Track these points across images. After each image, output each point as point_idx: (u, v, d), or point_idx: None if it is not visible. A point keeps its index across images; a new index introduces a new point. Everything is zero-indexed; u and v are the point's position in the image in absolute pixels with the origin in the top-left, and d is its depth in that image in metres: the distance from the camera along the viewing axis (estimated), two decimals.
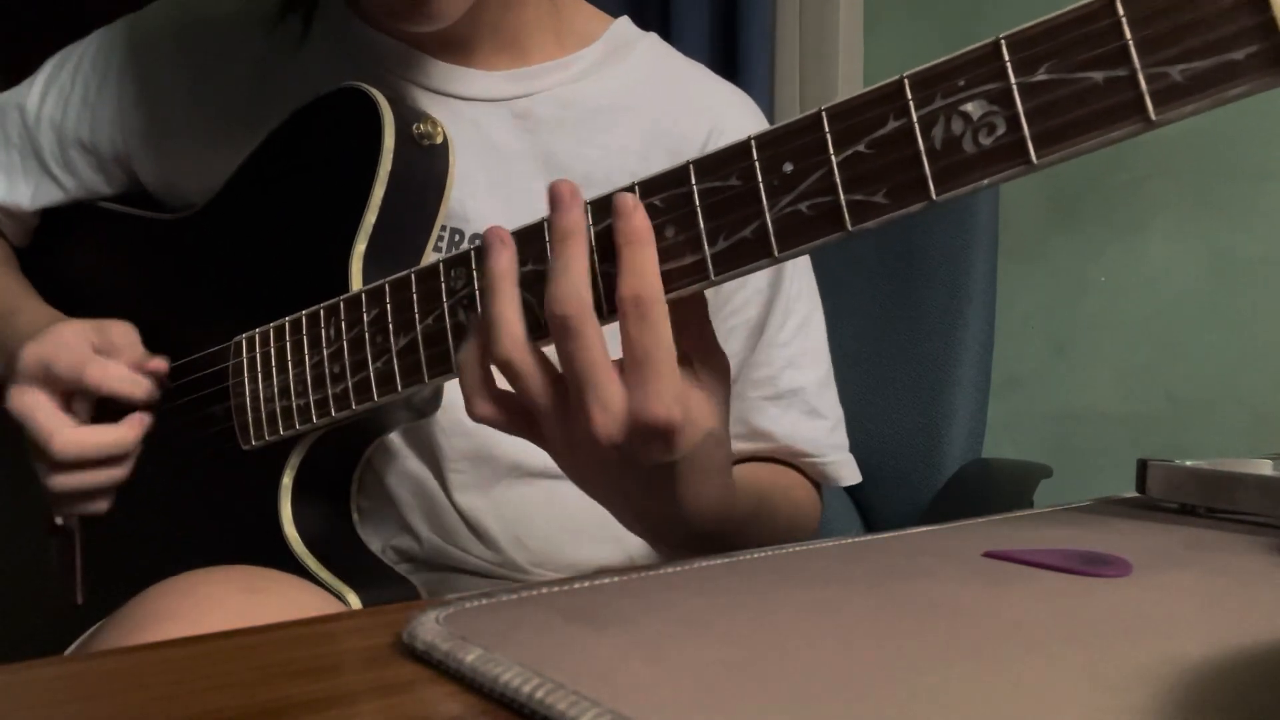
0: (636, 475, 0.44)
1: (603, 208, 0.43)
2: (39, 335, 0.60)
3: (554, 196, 0.42)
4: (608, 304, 0.42)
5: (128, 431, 0.60)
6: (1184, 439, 1.16)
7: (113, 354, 0.61)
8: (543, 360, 0.43)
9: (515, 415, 0.44)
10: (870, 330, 1.15)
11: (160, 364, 0.62)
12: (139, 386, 0.61)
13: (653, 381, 0.40)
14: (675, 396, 0.41)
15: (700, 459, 0.45)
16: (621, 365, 0.41)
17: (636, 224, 0.41)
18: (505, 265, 0.43)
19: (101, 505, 0.62)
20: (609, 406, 0.41)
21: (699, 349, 0.44)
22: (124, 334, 0.62)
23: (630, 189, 0.42)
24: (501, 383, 0.44)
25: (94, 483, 0.60)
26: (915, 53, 1.53)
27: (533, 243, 0.44)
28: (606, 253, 0.42)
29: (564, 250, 0.42)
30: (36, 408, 0.59)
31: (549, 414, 0.43)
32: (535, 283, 0.44)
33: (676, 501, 0.46)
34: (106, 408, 0.62)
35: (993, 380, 1.11)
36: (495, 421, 0.45)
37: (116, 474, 0.61)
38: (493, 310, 0.43)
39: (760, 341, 0.70)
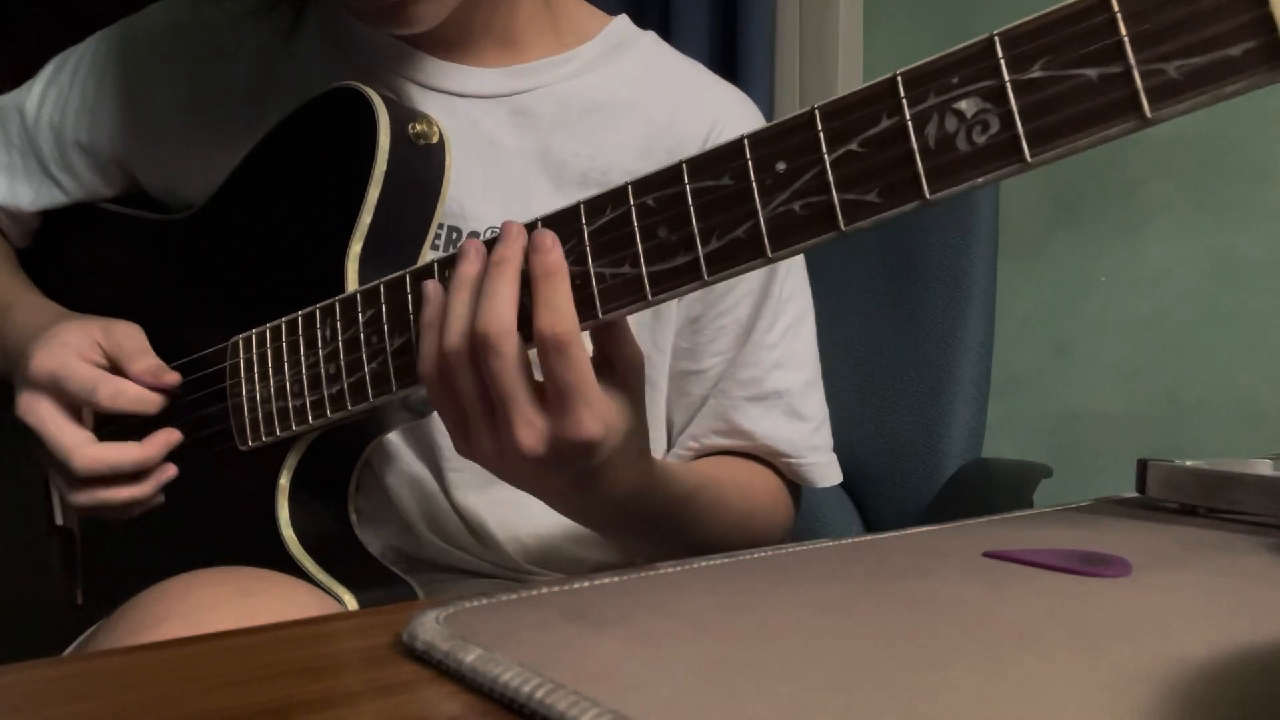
0: (561, 477, 0.47)
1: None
2: (45, 339, 0.60)
3: (503, 230, 0.45)
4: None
5: (149, 450, 0.59)
6: (1184, 439, 1.16)
7: (122, 360, 0.61)
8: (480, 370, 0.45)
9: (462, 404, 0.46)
10: (870, 330, 1.15)
11: (174, 377, 0.61)
12: (150, 405, 0.60)
13: (576, 410, 0.43)
14: (596, 417, 0.43)
15: (619, 455, 0.47)
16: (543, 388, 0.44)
17: (551, 259, 0.43)
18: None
19: (133, 513, 0.61)
20: (532, 423, 0.44)
21: (613, 345, 0.46)
22: (132, 337, 0.62)
23: (622, 190, 0.43)
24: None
25: (116, 499, 0.60)
26: (915, 53, 1.52)
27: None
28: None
29: (497, 274, 0.44)
30: (51, 421, 0.59)
31: (481, 419, 0.45)
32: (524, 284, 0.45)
33: (599, 492, 0.49)
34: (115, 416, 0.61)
35: (993, 380, 1.11)
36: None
37: (139, 490, 0.60)
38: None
39: (749, 342, 0.70)
